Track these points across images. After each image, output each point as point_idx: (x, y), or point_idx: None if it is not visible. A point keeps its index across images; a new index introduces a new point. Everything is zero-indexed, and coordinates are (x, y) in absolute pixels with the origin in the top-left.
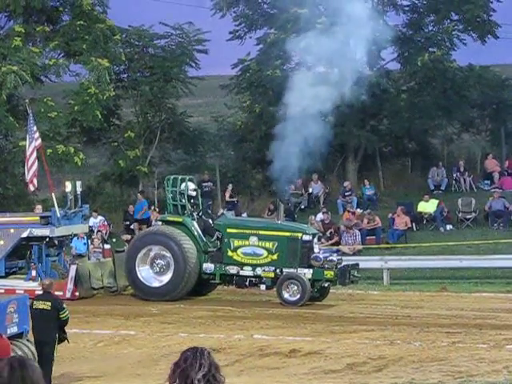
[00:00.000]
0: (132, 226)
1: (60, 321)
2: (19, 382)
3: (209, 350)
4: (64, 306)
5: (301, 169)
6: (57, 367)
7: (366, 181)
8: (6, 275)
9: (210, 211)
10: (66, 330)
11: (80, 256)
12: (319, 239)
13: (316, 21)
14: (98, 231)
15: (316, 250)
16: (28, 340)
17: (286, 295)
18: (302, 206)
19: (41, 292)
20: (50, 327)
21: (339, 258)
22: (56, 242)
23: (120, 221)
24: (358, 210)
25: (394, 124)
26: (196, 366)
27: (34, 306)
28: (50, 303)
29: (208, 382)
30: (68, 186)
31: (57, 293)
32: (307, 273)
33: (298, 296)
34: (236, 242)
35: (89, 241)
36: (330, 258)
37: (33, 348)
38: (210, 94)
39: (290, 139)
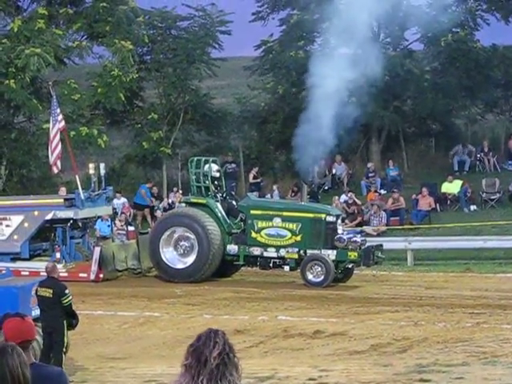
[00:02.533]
0: (156, 213)
1: (64, 307)
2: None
3: (223, 331)
4: (67, 291)
5: (324, 150)
6: (81, 349)
7: (390, 161)
8: (31, 257)
9: (233, 193)
10: (78, 315)
11: (104, 238)
12: (343, 220)
13: (339, 1)
14: (122, 213)
15: (340, 231)
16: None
17: (309, 276)
18: (326, 187)
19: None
20: (55, 314)
21: (363, 239)
22: (80, 224)
23: None
24: (382, 190)
25: (417, 105)
26: (210, 345)
27: (37, 293)
28: (51, 290)
29: (223, 360)
30: (92, 168)
31: (81, 275)
32: (331, 254)
33: (322, 277)
34: (260, 224)
35: (113, 223)
36: (354, 239)
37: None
38: (233, 76)
39: (313, 120)
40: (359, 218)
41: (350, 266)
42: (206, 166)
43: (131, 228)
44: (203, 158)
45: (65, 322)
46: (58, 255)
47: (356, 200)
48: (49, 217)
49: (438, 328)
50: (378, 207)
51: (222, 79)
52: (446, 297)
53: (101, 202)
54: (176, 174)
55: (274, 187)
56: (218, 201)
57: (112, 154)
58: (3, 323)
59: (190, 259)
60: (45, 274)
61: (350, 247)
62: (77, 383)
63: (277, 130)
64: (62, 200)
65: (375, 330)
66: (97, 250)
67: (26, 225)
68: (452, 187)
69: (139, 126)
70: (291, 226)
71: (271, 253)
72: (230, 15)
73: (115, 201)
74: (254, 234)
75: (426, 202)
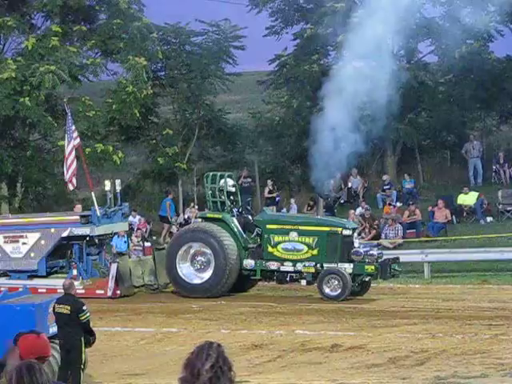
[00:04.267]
0: (172, 229)
1: (82, 324)
2: None
3: (219, 344)
4: (84, 307)
5: (340, 164)
6: (99, 366)
7: (405, 174)
8: (48, 275)
9: (249, 207)
10: (95, 332)
11: (120, 254)
12: (359, 234)
13: (353, 15)
14: (138, 229)
15: (356, 244)
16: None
17: (326, 290)
18: (342, 201)
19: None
20: (72, 331)
21: (380, 252)
22: (96, 240)
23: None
24: (398, 203)
25: (432, 117)
26: (203, 357)
27: (55, 310)
28: (68, 307)
29: (215, 373)
30: (107, 185)
31: (98, 291)
32: (348, 267)
33: (339, 291)
34: (276, 238)
35: (129, 239)
36: (371, 252)
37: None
38: (247, 90)
39: (328, 134)
40: (373, 232)
41: (366, 280)
42: (222, 180)
43: (148, 244)
44: (219, 173)
45: (82, 338)
46: (74, 272)
47: (372, 215)
48: (65, 234)
49: (455, 340)
50: (392, 220)
51: (236, 94)
52: (463, 309)
53: (117, 219)
54: (192, 189)
55: (292, 201)
56: (233, 215)
57: (127, 170)
58: (18, 341)
59: (207, 274)
60: (62, 291)
61: (367, 260)
62: None
63: (292, 143)
64: (78, 217)
65: (393, 343)
66: (113, 266)
67: (42, 242)
68: (468, 199)
69: (154, 141)
70: (307, 239)
71: (288, 267)
72: (244, 30)
73: (131, 218)
74: (270, 249)
75: (442, 214)
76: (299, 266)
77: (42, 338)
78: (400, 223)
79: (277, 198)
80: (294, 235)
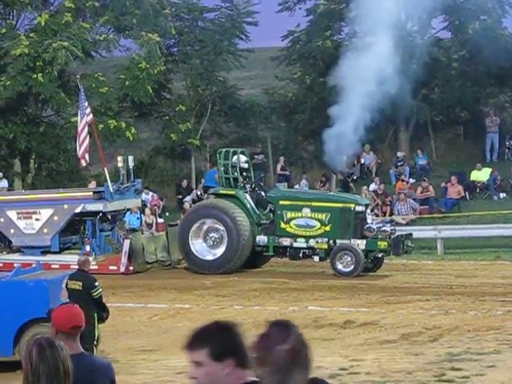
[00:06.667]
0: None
1: (94, 299)
2: (48, 361)
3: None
4: (96, 283)
5: (353, 140)
6: (112, 341)
7: (418, 150)
8: (61, 250)
9: (262, 183)
10: (108, 307)
11: (133, 230)
12: (372, 210)
13: None
14: (155, 205)
15: (369, 220)
16: None
17: (339, 266)
18: (355, 177)
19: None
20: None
21: (392, 228)
22: (109, 216)
23: (173, 195)
24: (411, 179)
25: (445, 93)
26: (280, 338)
27: (67, 286)
28: (80, 283)
29: (296, 356)
30: (120, 161)
31: (111, 267)
32: (360, 243)
33: (352, 267)
34: (289, 214)
35: (142, 215)
36: (384, 228)
37: None
38: (260, 67)
39: (342, 111)
40: (385, 208)
41: (379, 256)
42: (235, 157)
43: (160, 220)
44: (231, 150)
45: (95, 314)
46: (87, 248)
47: (385, 191)
48: (78, 210)
49: (468, 316)
50: (404, 195)
51: (249, 70)
52: (476, 285)
53: (130, 195)
54: (204, 165)
55: (303, 176)
56: (246, 192)
57: (140, 146)
58: (52, 314)
59: (220, 251)
60: (75, 267)
61: (380, 237)
62: None
63: (305, 120)
64: (91, 193)
65: (406, 319)
66: (126, 242)
67: (55, 218)
68: (481, 175)
69: (167, 118)
70: (320, 216)
71: (301, 243)
72: (257, 6)
73: (143, 195)
74: (283, 225)
75: (455, 191)
76: (312, 242)
77: (77, 309)
78: (413, 199)
79: (289, 175)
80: (306, 211)
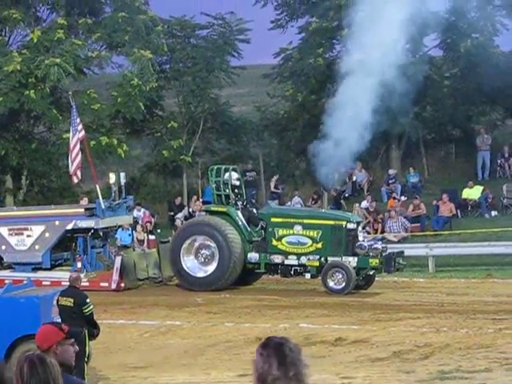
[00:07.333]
0: (176, 223)
1: (85, 316)
2: (39, 377)
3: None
4: (88, 300)
5: (345, 157)
6: (103, 358)
7: (410, 168)
8: (52, 267)
9: (253, 201)
10: (99, 324)
11: (125, 247)
12: (363, 227)
13: (358, 8)
14: (147, 222)
15: (360, 237)
16: None
17: (331, 284)
18: (346, 195)
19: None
20: (76, 324)
21: (384, 245)
22: (101, 233)
23: (165, 211)
24: (403, 197)
25: (437, 111)
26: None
27: (59, 302)
28: (72, 299)
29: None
30: (112, 178)
31: (102, 284)
32: (352, 261)
33: (343, 284)
34: (280, 231)
35: (133, 232)
36: (375, 245)
37: None
38: (252, 84)
39: (333, 128)
40: (376, 226)
41: (371, 273)
42: (226, 174)
43: (152, 237)
44: (223, 167)
45: (86, 331)
46: (79, 265)
47: (376, 208)
48: (70, 226)
49: (460, 334)
50: (395, 212)
51: (241, 87)
52: (467, 303)
53: (121, 211)
54: (196, 182)
55: (296, 193)
56: (238, 209)
57: (132, 163)
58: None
59: (211, 267)
60: (66, 283)
61: (371, 254)
62: None
63: (296, 137)
64: (82, 210)
65: (397, 337)
66: (118, 259)
67: (47, 235)
68: (473, 193)
69: (159, 134)
70: (312, 233)
71: (292, 260)
72: (249, 23)
73: (135, 212)
74: (274, 242)
75: (446, 209)
76: (303, 260)
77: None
78: (405, 217)
79: (281, 191)
80: (298, 228)
